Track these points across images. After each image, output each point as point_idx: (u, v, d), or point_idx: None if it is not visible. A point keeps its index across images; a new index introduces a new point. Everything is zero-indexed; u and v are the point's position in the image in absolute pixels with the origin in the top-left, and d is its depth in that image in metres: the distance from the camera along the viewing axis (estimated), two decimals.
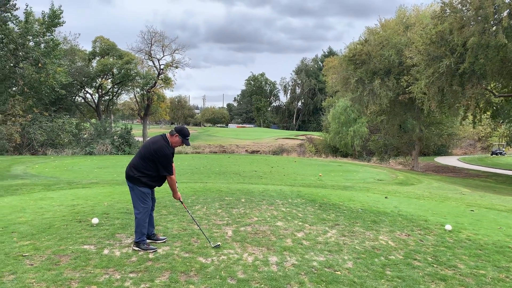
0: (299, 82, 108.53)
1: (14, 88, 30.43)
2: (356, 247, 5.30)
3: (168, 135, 5.07)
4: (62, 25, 30.61)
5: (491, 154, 56.63)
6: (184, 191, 9.18)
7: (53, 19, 29.97)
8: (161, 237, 5.30)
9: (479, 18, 21.57)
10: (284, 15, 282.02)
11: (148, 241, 5.03)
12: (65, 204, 7.59)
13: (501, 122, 36.03)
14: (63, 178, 13.72)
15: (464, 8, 22.92)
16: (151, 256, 4.61)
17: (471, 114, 27.11)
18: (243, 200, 8.23)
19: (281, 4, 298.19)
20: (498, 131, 56.33)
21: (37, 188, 9.82)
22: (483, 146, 68.85)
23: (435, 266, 4.67)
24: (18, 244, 4.88)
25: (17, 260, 4.30)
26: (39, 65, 28.45)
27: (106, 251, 4.71)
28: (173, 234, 5.56)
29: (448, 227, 6.51)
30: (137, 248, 4.79)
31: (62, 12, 30.26)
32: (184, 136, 5.03)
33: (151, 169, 4.93)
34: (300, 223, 6.44)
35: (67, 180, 12.14)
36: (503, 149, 58.23)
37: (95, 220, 5.98)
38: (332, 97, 61.50)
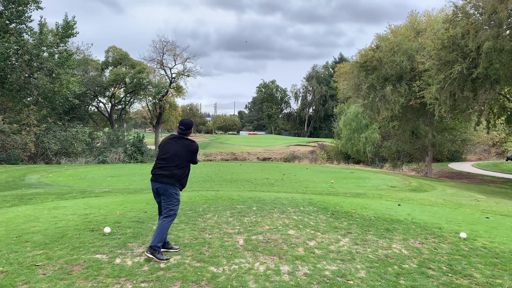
0: (310, 88, 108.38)
1: (28, 98, 30.93)
2: (369, 255, 5.23)
3: (185, 137, 5.28)
4: (75, 36, 31.10)
5: (506, 160, 55.59)
6: (195, 199, 9.20)
7: (67, 30, 30.47)
8: (175, 247, 5.30)
9: (492, 22, 21.39)
10: (295, 22, 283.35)
11: (161, 250, 5.04)
12: (78, 213, 7.65)
13: None
14: (76, 187, 13.86)
15: (476, 13, 22.76)
16: (162, 265, 4.60)
17: (485, 120, 26.78)
18: (254, 208, 8.21)
19: (291, 11, 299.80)
20: None
21: (51, 197, 9.92)
22: (497, 152, 67.74)
23: (450, 275, 4.58)
24: (31, 253, 4.92)
25: (30, 269, 4.33)
26: (53, 75, 28.90)
27: (118, 260, 4.72)
28: (185, 243, 5.55)
29: (463, 235, 6.40)
30: (150, 255, 4.76)
31: (75, 23, 30.76)
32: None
33: (187, 169, 5.23)
34: (312, 232, 6.39)
35: (80, 189, 12.25)
36: None
37: (107, 229, 6.00)
38: (343, 103, 61.24)
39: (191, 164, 5.31)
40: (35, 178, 17.55)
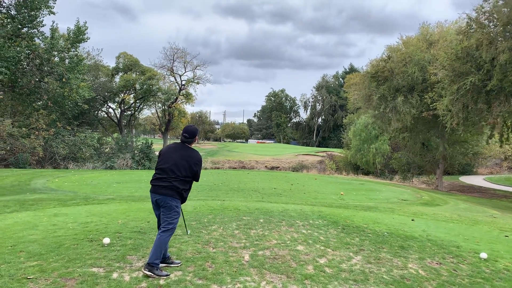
0: (320, 98, 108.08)
1: (38, 103, 31.01)
2: (384, 276, 4.87)
3: (188, 145, 4.94)
4: (86, 41, 31.21)
5: None
6: (200, 209, 8.90)
7: (78, 35, 30.59)
8: (176, 261, 4.98)
9: (508, 34, 20.98)
10: (305, 32, 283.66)
11: (161, 265, 4.73)
12: (78, 221, 7.38)
13: None
14: (80, 193, 13.64)
15: (491, 24, 22.35)
16: (162, 282, 4.30)
17: (498, 133, 26.22)
18: (261, 220, 7.88)
19: (302, 21, 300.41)
20: None
21: (53, 203, 9.68)
22: (509, 166, 66.58)
23: None
24: (24, 265, 4.65)
25: (20, 283, 4.05)
26: (63, 80, 28.95)
27: (115, 275, 4.43)
28: (187, 257, 5.24)
29: (484, 255, 6.01)
30: (148, 273, 4.45)
31: (87, 29, 30.89)
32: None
33: (190, 182, 4.91)
34: (322, 248, 6.04)
35: (84, 195, 12.02)
36: None
37: (106, 240, 5.72)
38: (353, 114, 60.76)
39: (195, 180, 4.96)
40: (41, 182, 17.40)
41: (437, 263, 5.62)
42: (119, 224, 7.21)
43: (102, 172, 26.25)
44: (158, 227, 4.89)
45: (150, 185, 4.87)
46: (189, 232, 5.79)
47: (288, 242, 6.25)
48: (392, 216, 9.61)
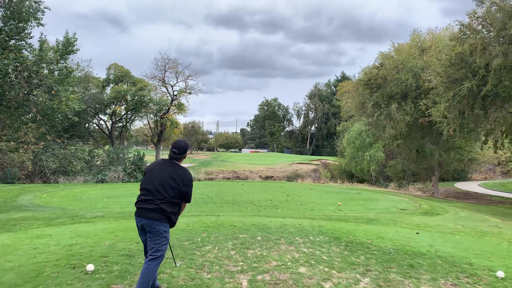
0: (312, 106, 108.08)
1: (27, 116, 30.38)
2: None
3: (177, 162, 4.46)
4: (76, 53, 30.72)
5: None
6: (194, 226, 8.39)
7: (67, 46, 30.09)
8: None
9: (501, 39, 20.83)
10: (297, 41, 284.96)
11: None
12: (62, 243, 6.86)
13: None
14: (68, 210, 13.07)
15: (484, 30, 22.21)
16: None
17: (493, 139, 26.04)
18: (259, 238, 7.39)
19: (294, 30, 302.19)
20: None
21: (37, 223, 9.12)
22: (502, 171, 66.68)
23: None
24: None
25: None
26: (52, 92, 28.38)
27: None
28: (179, 285, 4.75)
29: (501, 274, 5.57)
30: None
31: (76, 40, 30.41)
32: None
33: (179, 204, 4.43)
34: (327, 269, 5.57)
35: (71, 212, 11.45)
36: None
37: (90, 267, 5.21)
38: (346, 121, 60.60)
39: (185, 202, 4.49)
40: (28, 199, 16.76)
41: (452, 284, 5.18)
42: (106, 246, 6.69)
43: (93, 186, 25.62)
44: (145, 254, 4.39)
45: (135, 208, 4.39)
46: (178, 264, 5.24)
47: (289, 264, 5.77)
48: (396, 230, 9.16)
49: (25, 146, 29.25)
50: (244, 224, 8.79)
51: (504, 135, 26.61)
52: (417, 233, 8.71)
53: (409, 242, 7.60)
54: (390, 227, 9.66)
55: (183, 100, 46.03)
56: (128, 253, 6.18)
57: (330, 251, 6.63)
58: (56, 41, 30.21)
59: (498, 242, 8.35)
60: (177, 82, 45.51)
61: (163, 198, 4.20)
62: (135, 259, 5.83)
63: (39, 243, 6.88)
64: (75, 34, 30.33)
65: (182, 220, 8.95)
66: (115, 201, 16.60)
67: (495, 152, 32.37)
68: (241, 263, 5.72)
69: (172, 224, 4.36)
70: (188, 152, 4.67)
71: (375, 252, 6.68)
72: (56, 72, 30.13)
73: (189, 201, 4.49)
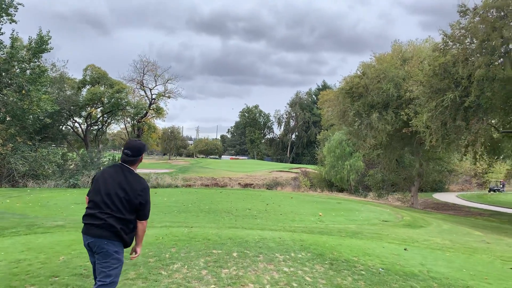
0: (293, 114, 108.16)
1: None
2: None
3: (129, 166, 3.67)
4: (49, 51, 29.41)
5: (489, 191, 55.30)
6: (163, 239, 7.58)
7: (41, 44, 28.80)
8: None
9: (484, 50, 20.74)
10: (279, 49, 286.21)
11: None
12: (9, 258, 5.97)
13: (497, 159, 34.75)
14: (30, 217, 12.04)
15: (466, 41, 22.14)
16: None
17: (473, 150, 25.98)
18: (235, 254, 6.64)
19: (276, 39, 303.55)
20: (494, 167, 55.40)
21: None
22: (478, 182, 67.66)
23: None
24: None
25: None
26: (23, 92, 27.06)
27: None
28: None
29: None
30: None
31: (50, 38, 29.14)
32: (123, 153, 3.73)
33: (133, 220, 3.60)
34: None
35: (30, 221, 10.45)
36: (501, 186, 56.91)
37: None
38: (327, 130, 60.51)
39: (140, 219, 3.65)
40: None
41: None
42: (59, 262, 5.85)
43: (62, 191, 24.38)
44: (94, 279, 3.61)
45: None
46: None
47: (267, 287, 5.05)
48: (382, 245, 8.55)
49: None
50: (219, 237, 8.03)
51: (483, 147, 26.60)
52: (405, 249, 8.12)
53: (399, 260, 6.98)
54: (376, 241, 9.05)
55: (161, 104, 45.01)
56: (83, 272, 5.36)
57: (313, 271, 5.94)
58: (29, 39, 28.90)
59: (490, 261, 7.83)
60: (156, 86, 44.53)
61: (110, 213, 3.44)
62: (89, 280, 5.01)
63: None
64: (49, 32, 29.06)
65: (150, 232, 8.15)
66: (83, 208, 15.52)
67: (475, 164, 32.49)
68: (212, 286, 4.97)
69: (126, 244, 3.59)
70: (144, 154, 3.85)
71: (363, 272, 6.03)
72: (28, 71, 28.80)
73: (144, 217, 3.66)
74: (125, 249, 3.66)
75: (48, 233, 8.38)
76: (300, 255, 6.82)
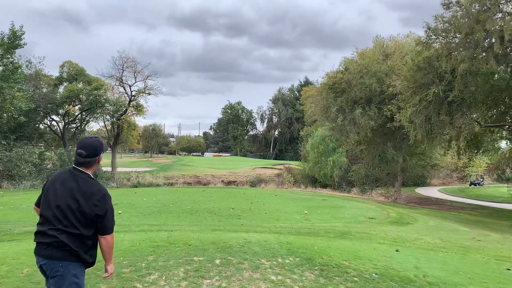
0: (276, 111, 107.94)
1: None
2: None
3: (84, 170, 3.11)
4: (23, 47, 28.30)
5: (470, 185, 55.99)
6: (140, 245, 7.02)
7: (13, 40, 27.65)
8: None
9: (467, 44, 20.65)
10: (261, 46, 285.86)
11: None
12: None
13: (477, 153, 35.02)
14: (1, 221, 11.32)
15: (450, 35, 22.02)
16: None
17: (456, 145, 26.03)
18: (217, 261, 6.14)
19: (258, 35, 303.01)
20: (474, 161, 56.10)
21: None
22: (459, 176, 68.55)
23: None
24: None
25: None
26: None
27: None
28: None
29: None
30: None
31: (23, 33, 28.02)
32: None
33: (91, 236, 3.02)
34: None
35: None
36: (481, 179, 57.67)
37: None
38: (310, 126, 60.35)
39: (101, 234, 3.05)
40: None
41: None
42: (23, 275, 5.27)
43: (37, 192, 23.37)
44: None
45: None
46: None
47: None
48: (373, 246, 8.16)
49: None
50: (201, 242, 7.51)
51: (466, 141, 26.66)
52: (397, 251, 7.75)
53: (392, 263, 6.59)
54: (366, 242, 8.67)
55: (141, 101, 43.92)
56: None
57: (303, 278, 5.49)
58: (1, 34, 27.70)
59: (485, 261, 7.52)
60: (136, 82, 43.34)
61: (62, 228, 2.89)
62: None
63: None
64: (22, 27, 27.95)
65: (127, 237, 7.59)
66: None
67: (458, 158, 32.68)
68: None
69: (87, 264, 3.05)
70: (102, 154, 3.23)
71: (356, 279, 5.61)
72: (0, 68, 27.65)
73: (106, 231, 3.06)
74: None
75: (15, 240, 7.74)
76: (288, 261, 6.36)
